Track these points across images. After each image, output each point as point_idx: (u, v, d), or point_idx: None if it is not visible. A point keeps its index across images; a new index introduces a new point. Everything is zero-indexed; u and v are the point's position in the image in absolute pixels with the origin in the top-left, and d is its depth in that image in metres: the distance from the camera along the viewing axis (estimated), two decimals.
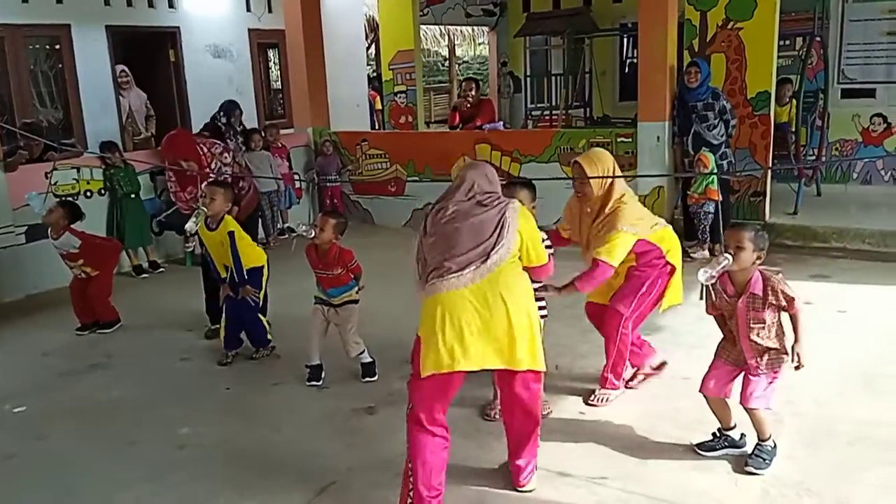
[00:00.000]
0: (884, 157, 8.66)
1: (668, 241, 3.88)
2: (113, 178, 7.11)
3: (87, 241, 5.44)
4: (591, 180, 3.70)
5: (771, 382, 3.17)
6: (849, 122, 8.88)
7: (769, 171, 7.27)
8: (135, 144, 8.67)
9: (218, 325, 4.90)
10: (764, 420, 3.22)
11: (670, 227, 3.97)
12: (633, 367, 4.14)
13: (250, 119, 9.60)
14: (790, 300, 3.10)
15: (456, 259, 2.86)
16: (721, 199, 6.55)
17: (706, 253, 6.50)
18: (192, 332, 5.34)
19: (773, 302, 3.11)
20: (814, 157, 8.44)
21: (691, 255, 6.26)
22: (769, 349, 3.14)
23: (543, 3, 11.58)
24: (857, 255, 6.64)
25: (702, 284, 3.18)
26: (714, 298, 3.25)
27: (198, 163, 6.37)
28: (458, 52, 19.49)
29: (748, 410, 3.20)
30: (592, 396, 4.02)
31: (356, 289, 4.36)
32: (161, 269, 7.34)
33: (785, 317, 3.19)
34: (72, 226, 5.39)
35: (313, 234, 4.12)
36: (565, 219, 4.11)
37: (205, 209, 4.51)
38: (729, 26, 7.10)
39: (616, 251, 3.63)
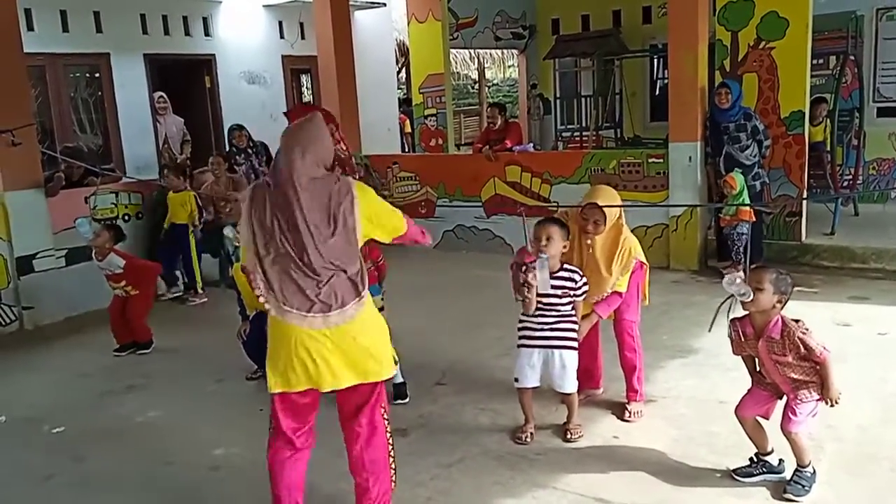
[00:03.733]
0: None
1: (636, 245, 4.01)
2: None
3: (130, 262, 5.59)
4: (604, 221, 3.78)
5: (813, 409, 3.09)
6: (885, 140, 8.76)
7: (804, 191, 7.19)
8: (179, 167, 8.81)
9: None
10: (804, 446, 3.15)
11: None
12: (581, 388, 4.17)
13: None
14: (811, 350, 3.00)
15: None
16: (754, 219, 6.47)
17: (741, 274, 6.41)
18: (226, 353, 5.39)
19: (795, 350, 3.03)
20: (850, 177, 8.32)
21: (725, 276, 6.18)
22: (805, 381, 3.08)
23: (572, 26, 11.63)
24: None
25: (715, 314, 3.15)
26: (739, 338, 3.19)
27: None
28: (488, 74, 19.61)
29: (787, 435, 3.13)
30: (627, 413, 4.03)
31: (381, 296, 4.36)
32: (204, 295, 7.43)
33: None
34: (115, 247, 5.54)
35: None
36: None
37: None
38: (761, 46, 7.05)
39: (626, 281, 3.92)
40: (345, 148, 4.38)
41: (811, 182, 7.63)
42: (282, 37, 10.33)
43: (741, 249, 6.48)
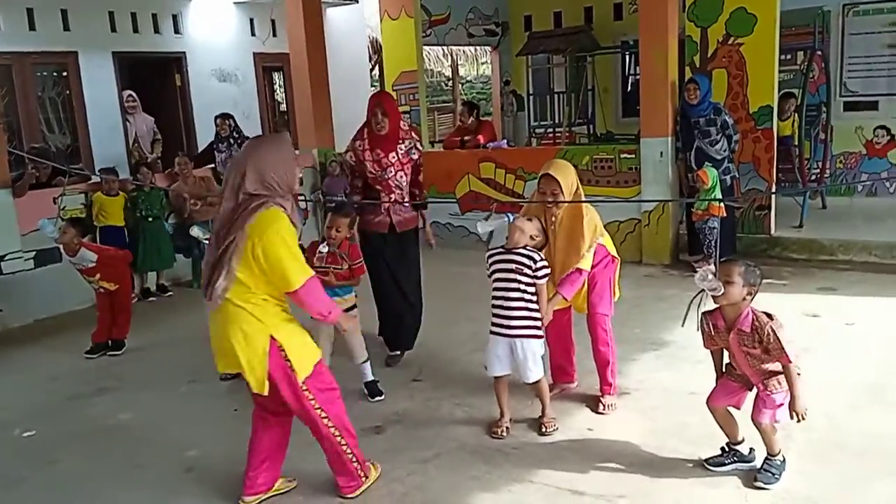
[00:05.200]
0: (877, 173, 8.66)
1: (607, 239, 4.12)
2: (136, 200, 7.15)
3: (101, 253, 5.52)
4: (562, 191, 3.83)
5: (783, 399, 3.14)
6: (852, 134, 8.91)
7: (773, 185, 7.29)
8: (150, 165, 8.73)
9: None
10: (773, 435, 3.20)
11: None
12: (555, 382, 4.34)
13: None
14: (779, 350, 3.01)
15: None
16: (725, 214, 6.54)
17: (713, 269, 6.49)
18: (199, 355, 5.34)
19: (764, 344, 3.06)
20: (818, 171, 8.45)
21: (697, 270, 6.25)
22: (774, 372, 3.12)
23: (545, 23, 11.65)
24: (864, 268, 6.63)
25: (688, 308, 3.19)
26: (710, 332, 3.24)
27: None
28: (462, 71, 19.63)
29: (758, 426, 3.18)
30: (601, 406, 4.07)
31: (353, 293, 4.36)
32: (169, 293, 7.38)
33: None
34: (83, 240, 5.47)
35: (327, 249, 4.15)
36: None
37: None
38: (729, 42, 7.14)
39: (590, 258, 3.93)
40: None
41: (780, 176, 7.74)
42: (253, 34, 10.25)
43: (713, 243, 6.56)
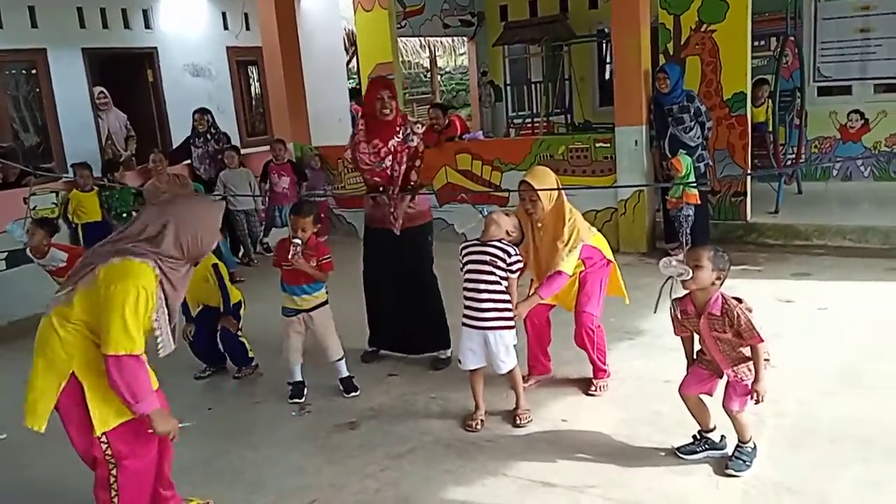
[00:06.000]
0: (855, 158, 8.72)
1: (601, 243, 4.18)
2: (109, 198, 7.07)
3: (72, 253, 5.41)
4: (542, 197, 3.90)
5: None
6: (826, 119, 8.95)
7: (748, 170, 7.32)
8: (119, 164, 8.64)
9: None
10: (745, 422, 3.22)
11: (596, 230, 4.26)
12: (531, 374, 4.37)
13: (232, 136, 9.56)
14: (749, 331, 3.02)
15: None
16: (699, 202, 6.56)
17: (677, 255, 6.49)
18: (176, 351, 5.27)
19: (735, 327, 3.07)
20: (793, 156, 8.50)
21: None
22: (744, 358, 3.13)
23: (520, 12, 11.63)
24: (839, 252, 6.67)
25: (658, 295, 3.19)
26: (678, 317, 3.24)
27: None
28: (440, 62, 19.55)
29: (729, 413, 3.20)
30: (592, 387, 4.17)
31: (325, 289, 4.33)
32: None
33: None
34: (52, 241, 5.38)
35: (300, 241, 4.11)
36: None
37: None
38: (702, 29, 7.15)
39: (572, 261, 3.96)
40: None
41: (755, 162, 7.77)
42: (226, 28, 10.14)
43: (688, 231, 6.58)
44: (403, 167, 4.59)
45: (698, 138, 6.73)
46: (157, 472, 3.00)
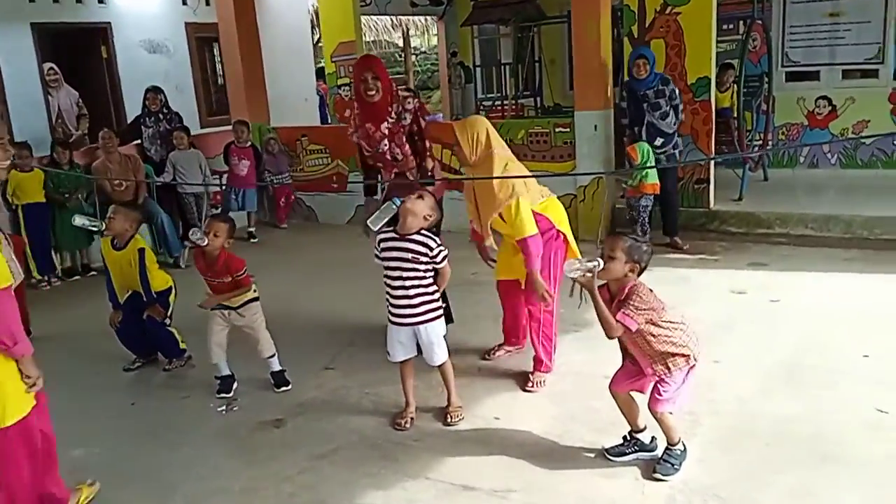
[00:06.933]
0: (821, 143, 8.62)
1: (554, 211, 3.97)
2: (55, 178, 6.82)
3: None
4: (462, 146, 3.81)
5: (679, 386, 3.01)
6: (794, 105, 8.83)
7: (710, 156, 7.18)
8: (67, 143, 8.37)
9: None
10: (671, 424, 3.08)
11: (554, 196, 4.07)
12: (504, 342, 4.42)
13: (191, 116, 9.33)
14: (626, 302, 2.91)
15: None
16: (657, 192, 6.40)
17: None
18: (110, 341, 5.09)
19: (624, 298, 2.93)
20: (759, 142, 8.37)
21: None
22: (662, 353, 2.98)
23: None
24: (799, 241, 6.55)
25: (581, 295, 3.03)
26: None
27: None
28: (414, 42, 19.23)
29: (654, 415, 3.06)
30: (529, 383, 4.02)
31: (253, 288, 4.15)
32: (93, 273, 7.09)
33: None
34: None
35: (206, 242, 3.90)
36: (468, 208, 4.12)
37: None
38: (667, 11, 6.96)
39: (526, 223, 3.76)
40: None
41: (721, 148, 7.63)
42: (184, 3, 9.80)
43: (646, 220, 6.43)
44: (406, 148, 4.36)
45: (674, 124, 6.52)
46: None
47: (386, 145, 4.32)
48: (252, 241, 8.02)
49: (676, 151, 6.60)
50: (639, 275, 2.99)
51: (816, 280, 5.47)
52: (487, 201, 3.87)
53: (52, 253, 7.02)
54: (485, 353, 4.48)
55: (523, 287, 4.02)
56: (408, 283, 3.50)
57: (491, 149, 3.86)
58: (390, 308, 3.59)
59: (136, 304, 4.52)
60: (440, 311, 3.61)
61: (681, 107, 6.56)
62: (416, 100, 4.49)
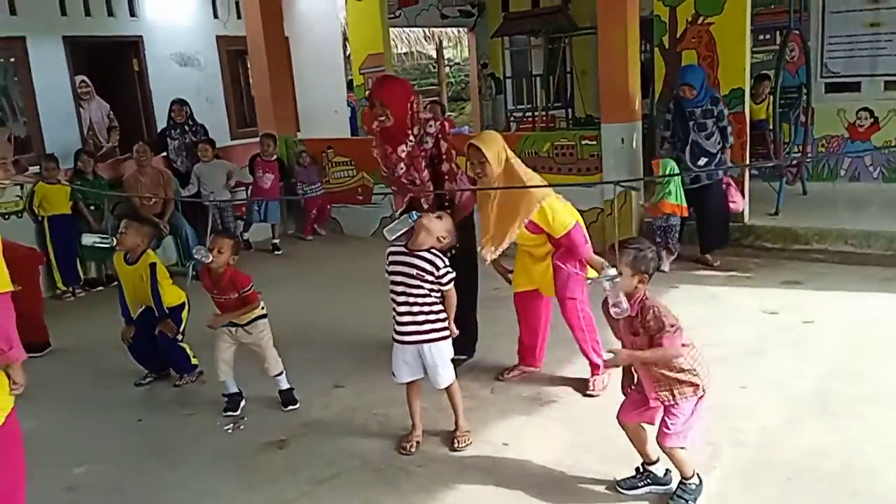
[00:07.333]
0: (859, 154, 8.29)
1: (574, 215, 3.94)
2: (82, 187, 6.88)
3: (6, 253, 5.18)
4: (491, 161, 3.78)
5: (688, 418, 2.83)
6: (834, 117, 8.50)
7: (747, 171, 6.93)
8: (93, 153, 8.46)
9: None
10: (682, 458, 2.89)
11: (569, 203, 4.01)
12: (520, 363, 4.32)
13: (221, 128, 9.38)
14: (659, 327, 2.73)
15: None
16: (684, 214, 6.16)
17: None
18: (116, 356, 5.05)
19: (646, 324, 2.76)
20: (798, 154, 8.08)
21: (661, 267, 5.88)
22: (668, 379, 2.80)
23: (521, 3, 11.26)
24: (838, 259, 6.25)
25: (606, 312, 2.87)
26: (607, 318, 2.93)
27: None
28: (448, 54, 19.18)
29: (663, 449, 2.88)
30: (590, 387, 4.02)
31: (260, 303, 4.07)
32: (115, 283, 7.10)
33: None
34: None
35: (210, 259, 3.83)
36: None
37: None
38: (699, 22, 6.76)
39: (565, 217, 3.82)
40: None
41: (756, 161, 7.38)
42: (216, 16, 9.87)
43: (674, 241, 6.19)
44: (424, 174, 4.14)
45: (718, 143, 6.23)
46: None
47: (402, 168, 4.13)
48: (276, 252, 8.00)
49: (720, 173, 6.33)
50: (648, 280, 2.83)
51: (853, 300, 5.20)
52: (510, 213, 3.84)
53: (77, 264, 7.06)
54: (499, 373, 4.33)
55: (542, 296, 4.10)
56: (411, 299, 3.39)
57: (510, 161, 3.89)
58: (395, 325, 3.49)
59: (148, 319, 4.48)
60: (446, 332, 3.48)
61: (729, 129, 6.26)
62: (438, 122, 4.27)
